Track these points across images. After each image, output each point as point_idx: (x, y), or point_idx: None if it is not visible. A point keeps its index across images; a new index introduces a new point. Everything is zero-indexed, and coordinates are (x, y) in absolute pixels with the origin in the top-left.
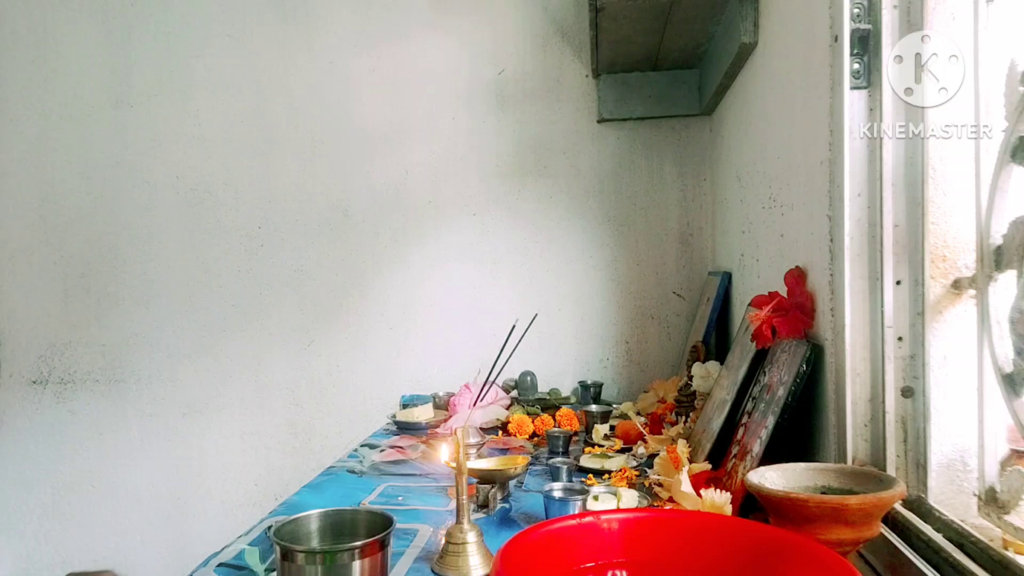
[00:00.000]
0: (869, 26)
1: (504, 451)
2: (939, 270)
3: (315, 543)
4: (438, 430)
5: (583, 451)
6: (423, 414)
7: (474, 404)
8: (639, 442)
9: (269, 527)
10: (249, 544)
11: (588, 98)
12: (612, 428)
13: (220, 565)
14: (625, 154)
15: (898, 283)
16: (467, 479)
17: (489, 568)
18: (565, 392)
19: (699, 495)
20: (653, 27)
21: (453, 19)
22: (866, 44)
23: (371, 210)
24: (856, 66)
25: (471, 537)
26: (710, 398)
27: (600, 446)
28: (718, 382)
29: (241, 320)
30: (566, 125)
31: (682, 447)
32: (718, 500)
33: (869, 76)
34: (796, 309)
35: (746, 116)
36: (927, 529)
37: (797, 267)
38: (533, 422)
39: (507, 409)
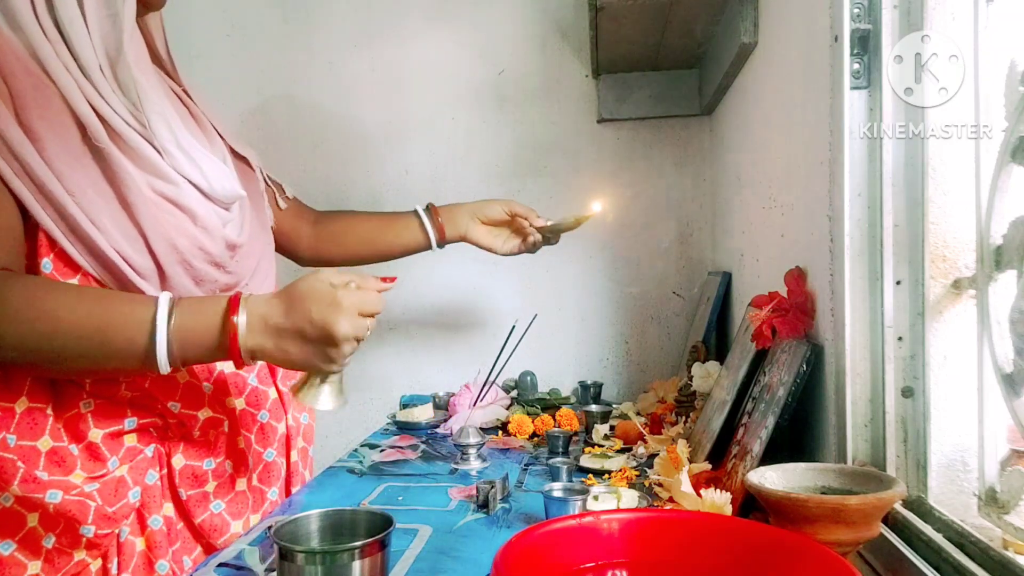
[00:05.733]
0: (869, 26)
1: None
2: (939, 270)
3: (315, 543)
4: (438, 430)
5: (583, 451)
6: (423, 414)
7: (474, 404)
8: (639, 442)
9: (269, 527)
10: (249, 544)
11: (588, 98)
12: (612, 428)
13: (220, 565)
14: (625, 154)
15: (898, 283)
16: None
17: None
18: (565, 392)
19: (699, 495)
20: (653, 27)
21: (453, 19)
22: (866, 44)
23: (371, 210)
24: (856, 66)
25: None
26: (710, 398)
27: (600, 446)
28: (718, 382)
29: None
30: (566, 125)
31: (682, 447)
32: (718, 500)
33: (869, 76)
34: (796, 309)
35: (746, 116)
36: (927, 529)
37: (797, 267)
38: (533, 422)
39: (507, 409)
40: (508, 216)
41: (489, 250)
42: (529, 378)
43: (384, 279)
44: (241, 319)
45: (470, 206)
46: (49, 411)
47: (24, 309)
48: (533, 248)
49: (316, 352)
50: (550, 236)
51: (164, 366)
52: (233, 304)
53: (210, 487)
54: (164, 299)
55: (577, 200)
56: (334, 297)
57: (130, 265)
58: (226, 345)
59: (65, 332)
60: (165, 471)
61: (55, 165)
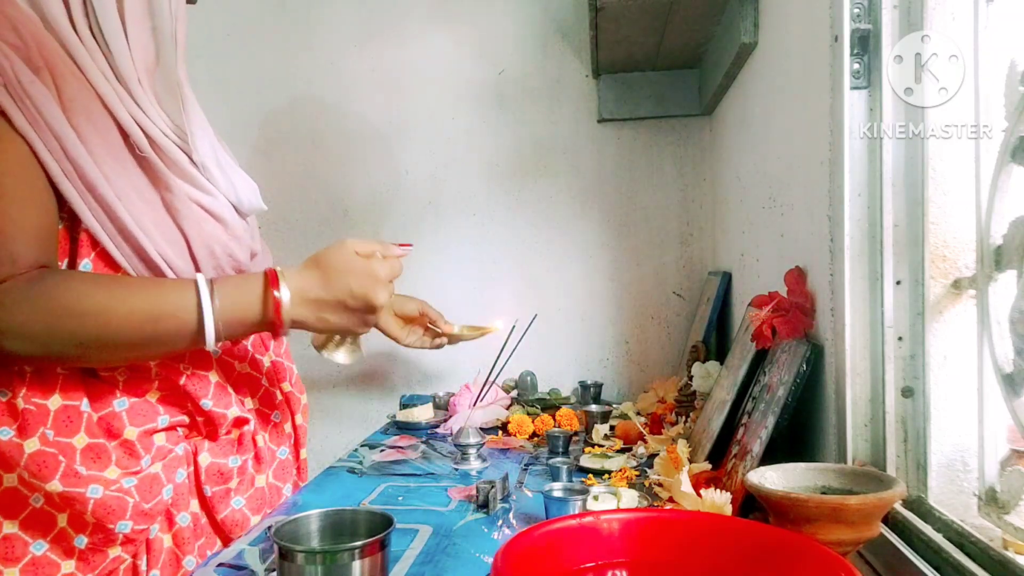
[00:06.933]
0: (869, 26)
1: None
2: (939, 270)
3: (315, 543)
4: (438, 430)
5: (583, 451)
6: (423, 414)
7: (474, 404)
8: (639, 442)
9: (269, 527)
10: (249, 544)
11: (588, 98)
12: (612, 428)
13: (220, 565)
14: (625, 154)
15: (898, 283)
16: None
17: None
18: (565, 392)
19: (699, 495)
20: (653, 27)
21: (453, 19)
22: (866, 44)
23: (371, 210)
24: (856, 66)
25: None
26: (710, 398)
27: (600, 446)
28: (718, 382)
29: None
30: (566, 125)
31: (682, 447)
32: (718, 500)
33: (869, 76)
34: (796, 309)
35: (746, 116)
36: (927, 529)
37: (797, 267)
38: (533, 422)
39: (507, 409)
40: (419, 315)
41: (395, 340)
42: (529, 378)
43: (401, 245)
44: (283, 293)
45: None
46: (84, 407)
47: (74, 304)
48: (438, 346)
49: (354, 319)
50: (452, 339)
51: (211, 345)
52: (272, 279)
53: (233, 484)
54: (202, 281)
55: (577, 200)
56: (371, 270)
57: (172, 268)
58: (270, 318)
59: (117, 326)
60: (192, 468)
61: (102, 168)
